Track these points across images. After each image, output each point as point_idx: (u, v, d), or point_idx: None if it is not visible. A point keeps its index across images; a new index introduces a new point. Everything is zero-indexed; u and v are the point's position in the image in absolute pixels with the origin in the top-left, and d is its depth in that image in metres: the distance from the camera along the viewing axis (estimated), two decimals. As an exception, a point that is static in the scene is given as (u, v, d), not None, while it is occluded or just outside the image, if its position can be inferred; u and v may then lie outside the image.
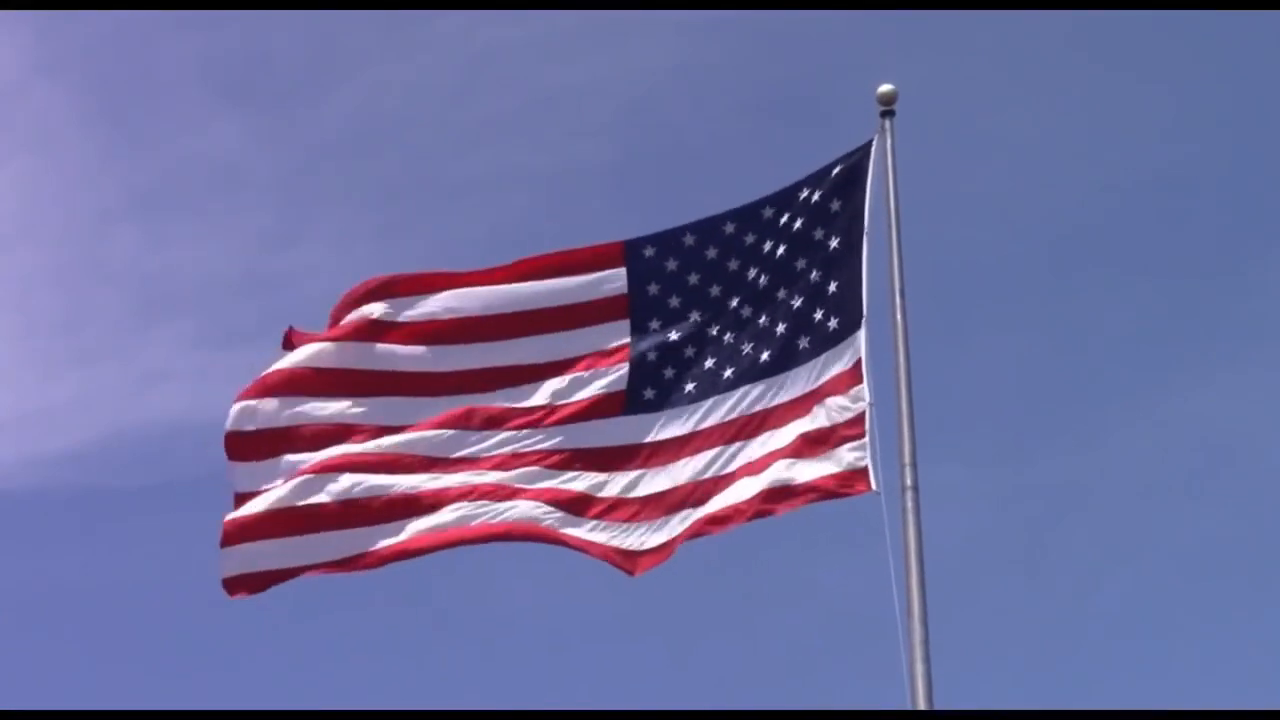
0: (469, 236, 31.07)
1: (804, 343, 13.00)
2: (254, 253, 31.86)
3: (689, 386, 13.21)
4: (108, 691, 27.91)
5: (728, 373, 13.15)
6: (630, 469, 13.01)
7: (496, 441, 13.16)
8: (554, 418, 13.20)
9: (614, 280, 13.45)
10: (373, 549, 12.87)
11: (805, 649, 26.72)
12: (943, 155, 25.56)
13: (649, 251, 13.49)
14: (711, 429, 12.98)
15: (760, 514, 12.53)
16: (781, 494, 12.49)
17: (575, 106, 32.08)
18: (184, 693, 27.65)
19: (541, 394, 13.29)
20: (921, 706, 11.14)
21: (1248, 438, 28.77)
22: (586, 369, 13.34)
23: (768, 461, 12.64)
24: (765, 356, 13.09)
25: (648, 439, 13.07)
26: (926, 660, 11.22)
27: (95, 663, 29.27)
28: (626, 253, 13.46)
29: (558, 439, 13.15)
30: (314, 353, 13.44)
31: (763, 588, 27.63)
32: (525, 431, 13.19)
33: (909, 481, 11.83)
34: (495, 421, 13.21)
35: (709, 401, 13.07)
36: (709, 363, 13.25)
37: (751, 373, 13.08)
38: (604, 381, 13.29)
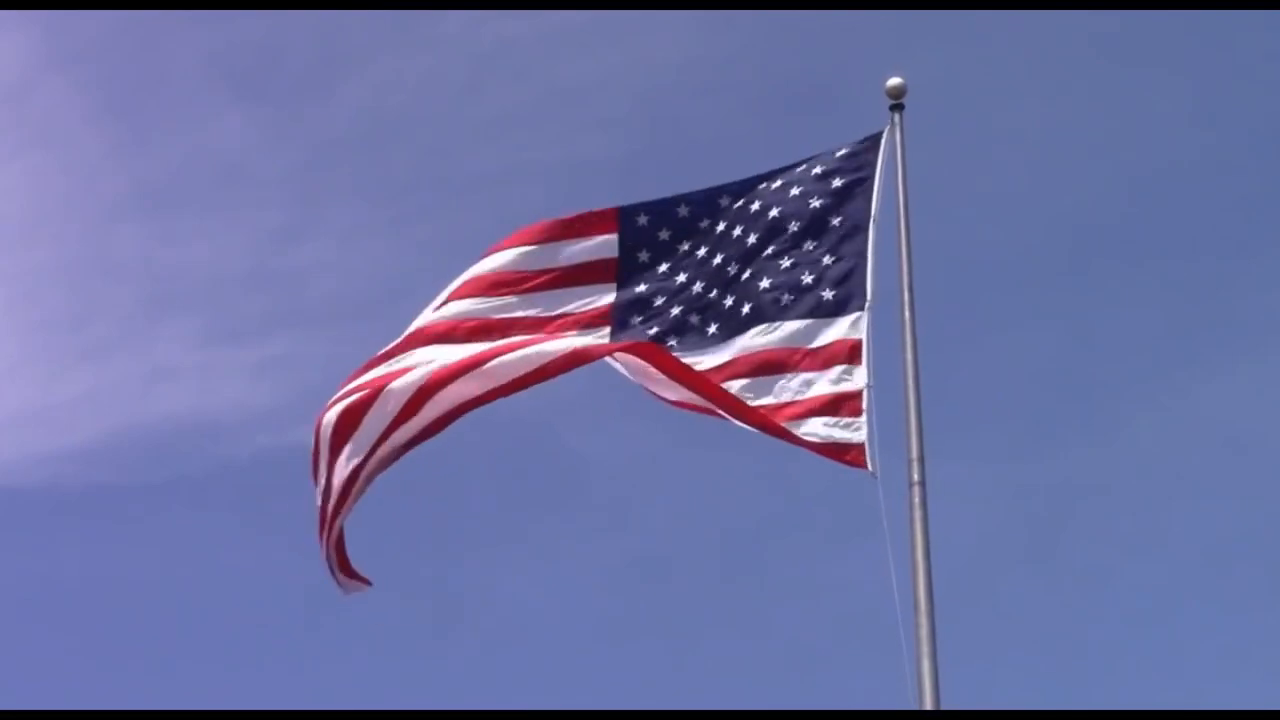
0: (478, 232, 30.90)
1: (787, 299, 12.94)
2: (262, 249, 31.83)
3: (671, 342, 13.09)
4: (112, 690, 27.90)
5: (712, 329, 13.09)
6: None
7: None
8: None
9: (606, 247, 13.47)
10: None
11: (808, 647, 26.62)
12: (952, 150, 25.48)
13: (642, 219, 13.51)
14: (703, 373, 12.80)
15: (762, 426, 12.33)
16: (781, 429, 12.32)
17: (585, 101, 32.07)
18: (186, 691, 27.63)
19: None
20: (928, 704, 11.00)
21: (1260, 432, 28.65)
22: (570, 326, 13.28)
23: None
24: (746, 310, 13.02)
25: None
26: (934, 657, 11.08)
27: (100, 661, 29.25)
28: (620, 219, 13.50)
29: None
30: None
31: (765, 585, 27.60)
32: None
33: (916, 477, 11.70)
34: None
35: (687, 352, 12.92)
36: (693, 319, 13.17)
37: (732, 325, 13.00)
38: (586, 338, 13.17)
